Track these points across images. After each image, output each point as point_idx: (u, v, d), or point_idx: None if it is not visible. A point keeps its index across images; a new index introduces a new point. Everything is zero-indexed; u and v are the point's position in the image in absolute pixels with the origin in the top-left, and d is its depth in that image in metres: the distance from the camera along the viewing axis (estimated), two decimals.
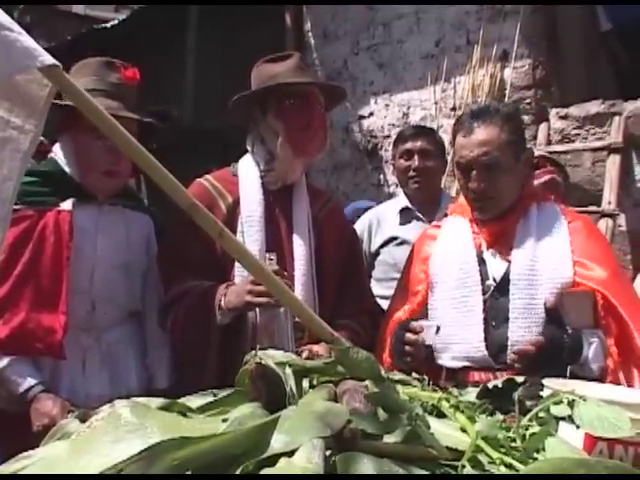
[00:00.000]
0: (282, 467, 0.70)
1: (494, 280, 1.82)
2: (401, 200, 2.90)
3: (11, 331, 1.74)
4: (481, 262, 1.85)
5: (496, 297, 1.80)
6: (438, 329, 1.75)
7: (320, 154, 2.13)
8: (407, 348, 1.76)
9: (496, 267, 1.83)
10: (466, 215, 1.94)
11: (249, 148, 2.09)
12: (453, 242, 1.95)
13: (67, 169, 1.93)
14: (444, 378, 1.81)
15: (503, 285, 1.79)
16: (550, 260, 1.77)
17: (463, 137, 1.83)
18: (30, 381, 1.76)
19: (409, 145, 2.81)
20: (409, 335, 1.76)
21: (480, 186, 1.80)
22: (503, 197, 1.83)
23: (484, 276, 1.83)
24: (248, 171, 2.05)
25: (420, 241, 2.11)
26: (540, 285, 1.75)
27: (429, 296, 1.92)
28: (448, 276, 1.88)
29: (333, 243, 2.08)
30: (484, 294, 1.81)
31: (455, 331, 1.81)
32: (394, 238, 2.77)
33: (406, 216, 2.82)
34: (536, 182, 2.55)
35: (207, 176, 2.07)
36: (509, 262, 1.81)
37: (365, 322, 2.03)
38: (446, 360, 1.83)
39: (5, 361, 1.76)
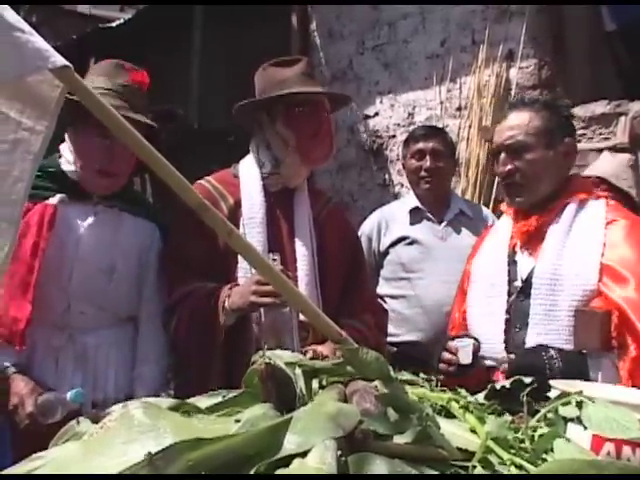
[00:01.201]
0: (296, 468, 0.71)
1: (522, 281, 1.76)
2: (410, 200, 2.90)
3: None
4: (512, 262, 1.81)
5: (521, 299, 1.75)
6: (475, 347, 1.75)
7: (327, 161, 2.13)
8: (441, 366, 1.79)
9: (525, 268, 1.77)
10: (511, 214, 1.91)
11: (252, 150, 2.09)
12: (493, 241, 1.94)
13: (65, 167, 1.94)
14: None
15: (528, 287, 1.72)
16: (575, 263, 1.65)
17: (498, 125, 1.85)
18: (5, 361, 1.77)
19: (421, 145, 2.81)
20: (445, 354, 1.79)
21: (505, 169, 1.78)
22: (532, 184, 1.76)
23: (513, 277, 1.79)
24: (249, 172, 2.05)
25: (479, 239, 2.12)
26: (562, 290, 1.65)
27: (468, 294, 1.92)
28: (482, 275, 1.88)
29: (335, 243, 2.09)
30: (510, 295, 1.77)
31: (482, 330, 1.81)
32: (404, 238, 2.78)
33: (416, 216, 2.82)
34: None
35: (208, 177, 2.07)
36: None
37: (369, 321, 2.03)
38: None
39: None
